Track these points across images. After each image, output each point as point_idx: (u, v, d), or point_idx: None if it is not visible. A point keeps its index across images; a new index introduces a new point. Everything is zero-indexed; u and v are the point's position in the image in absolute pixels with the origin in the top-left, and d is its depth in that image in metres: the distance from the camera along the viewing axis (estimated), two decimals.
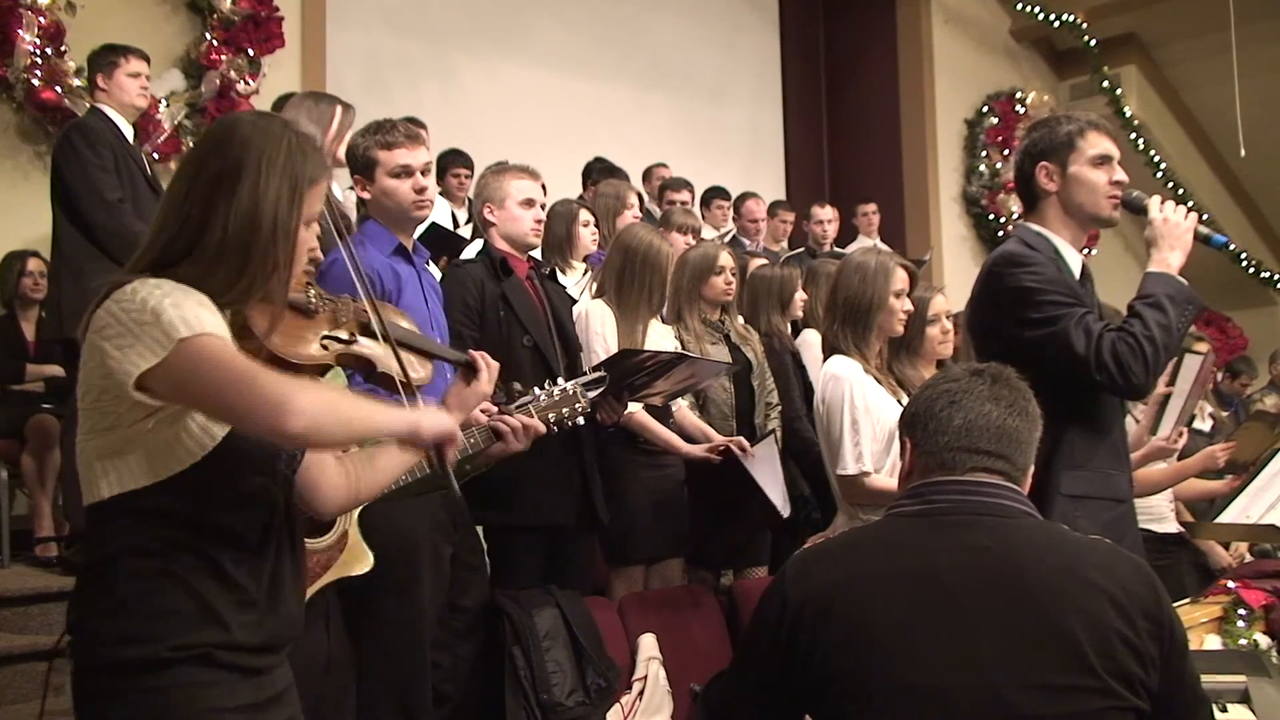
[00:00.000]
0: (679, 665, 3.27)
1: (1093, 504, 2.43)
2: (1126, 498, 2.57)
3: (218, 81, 5.65)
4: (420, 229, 3.10)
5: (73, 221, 3.92)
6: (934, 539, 1.57)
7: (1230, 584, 2.72)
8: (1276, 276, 9.70)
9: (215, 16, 5.69)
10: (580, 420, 2.30)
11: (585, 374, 2.51)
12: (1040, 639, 1.47)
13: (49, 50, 5.06)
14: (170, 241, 1.49)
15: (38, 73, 5.02)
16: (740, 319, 4.20)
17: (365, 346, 1.72)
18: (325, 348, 1.67)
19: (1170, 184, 9.03)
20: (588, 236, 4.23)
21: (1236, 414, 6.82)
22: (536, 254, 3.75)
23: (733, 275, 3.96)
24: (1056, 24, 9.25)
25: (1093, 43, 9.24)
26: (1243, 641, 2.55)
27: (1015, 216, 8.75)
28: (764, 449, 3.60)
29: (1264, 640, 2.55)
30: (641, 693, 3.19)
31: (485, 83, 7.43)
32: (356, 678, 2.60)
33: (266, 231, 1.49)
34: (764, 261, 5.04)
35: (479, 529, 3.11)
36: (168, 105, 5.49)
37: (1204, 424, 5.01)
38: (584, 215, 4.19)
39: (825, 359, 3.13)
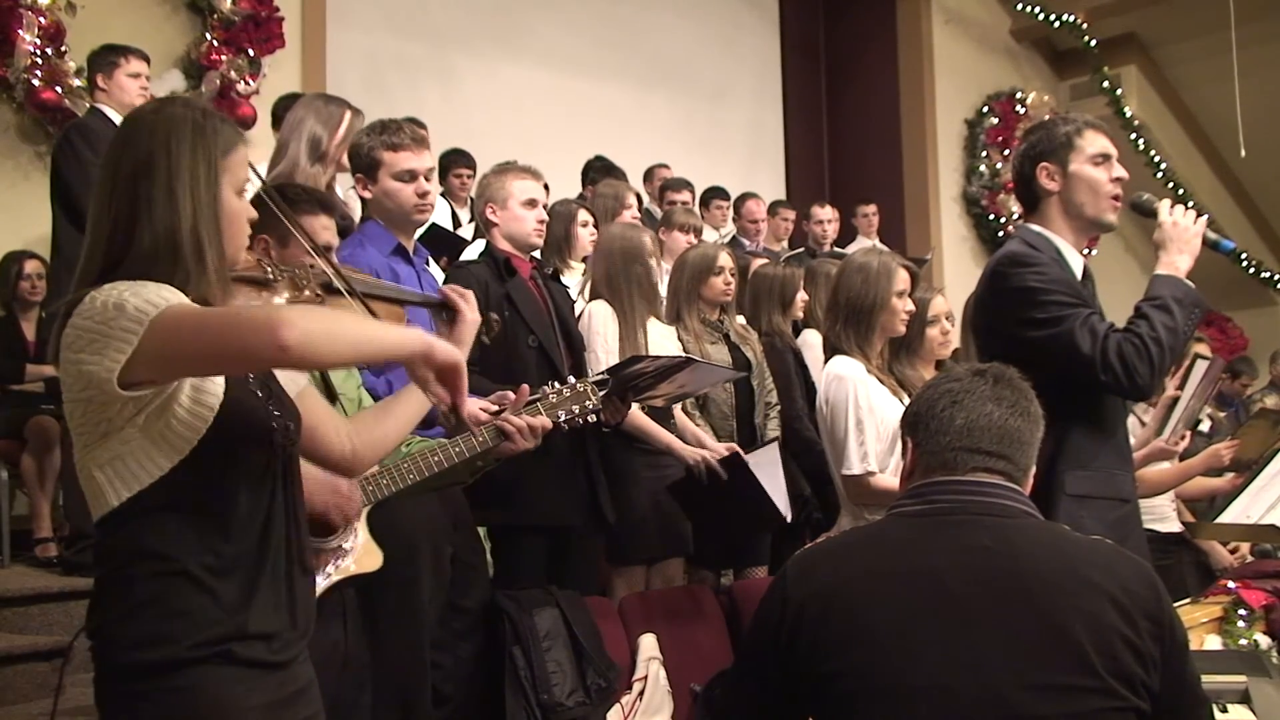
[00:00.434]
0: (679, 665, 3.27)
1: (1098, 504, 2.44)
2: (1131, 497, 2.58)
3: (218, 82, 5.65)
4: (420, 230, 3.11)
5: (72, 222, 3.92)
6: (935, 539, 1.57)
7: (1230, 584, 2.72)
8: (1276, 276, 9.70)
9: (215, 16, 5.69)
10: (592, 417, 2.31)
11: (590, 374, 2.52)
12: (1041, 639, 1.47)
13: (49, 50, 5.06)
14: (108, 247, 1.50)
15: (38, 73, 5.02)
16: (740, 319, 4.21)
17: (334, 305, 1.73)
18: None
19: (1170, 184, 9.03)
20: (586, 237, 4.23)
21: (1236, 414, 6.82)
22: (536, 254, 3.75)
23: (732, 275, 3.96)
24: (1056, 24, 9.25)
25: (1093, 43, 9.24)
26: (1243, 641, 2.55)
27: (1015, 217, 8.75)
28: (766, 454, 3.60)
29: (1264, 640, 2.55)
30: (642, 693, 3.19)
31: (485, 83, 7.44)
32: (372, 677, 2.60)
33: (189, 213, 1.49)
34: (766, 260, 5.04)
35: (481, 529, 3.11)
36: None
37: (1203, 425, 5.02)
38: (582, 215, 4.20)
39: (827, 359, 3.13)
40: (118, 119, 4.11)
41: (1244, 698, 2.18)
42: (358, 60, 6.77)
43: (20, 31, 4.97)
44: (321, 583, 2.14)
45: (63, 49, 5.11)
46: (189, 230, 1.49)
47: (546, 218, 3.48)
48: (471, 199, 5.91)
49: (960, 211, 9.40)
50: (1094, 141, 2.54)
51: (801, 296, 4.52)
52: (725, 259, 3.95)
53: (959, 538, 1.56)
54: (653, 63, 8.36)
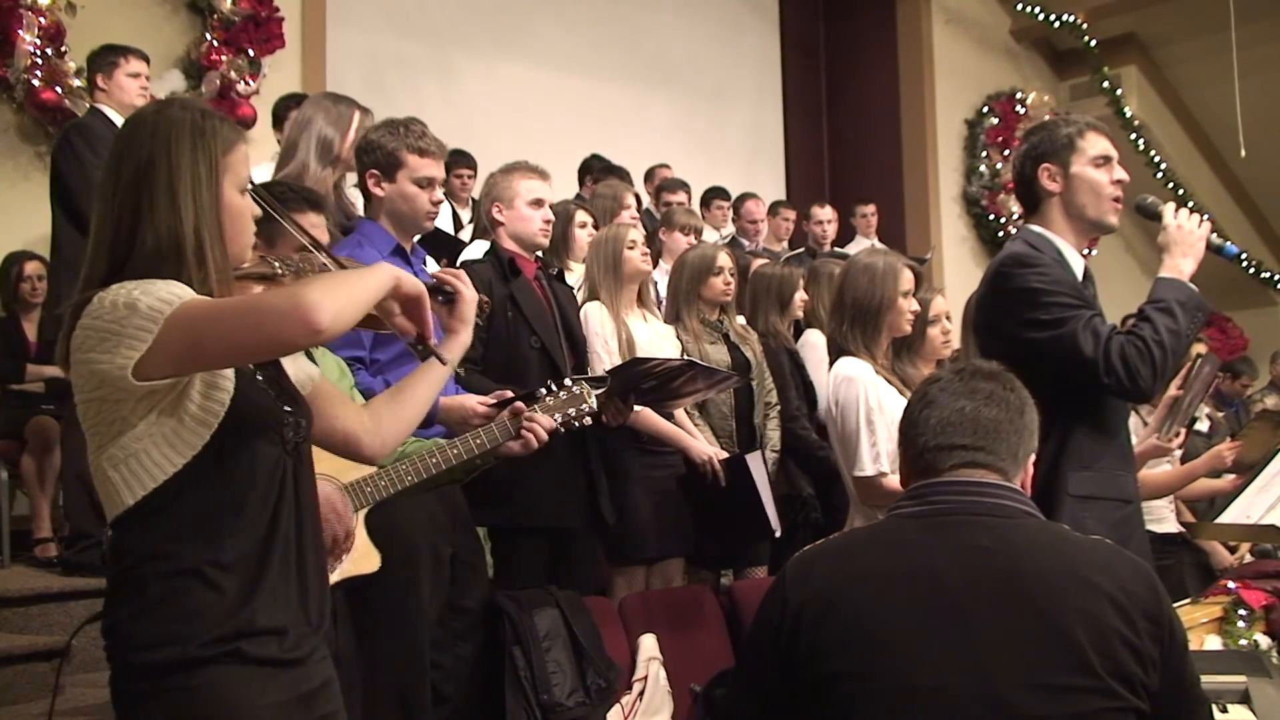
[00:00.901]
0: (679, 665, 3.27)
1: (1100, 504, 2.44)
2: (1134, 498, 2.58)
3: (218, 82, 5.65)
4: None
5: (72, 222, 3.92)
6: (934, 539, 1.57)
7: (1230, 584, 2.72)
8: (1276, 276, 9.70)
9: (215, 17, 5.69)
10: (588, 420, 2.31)
11: (589, 375, 2.52)
12: (1040, 639, 1.47)
13: (49, 50, 5.06)
14: (112, 249, 1.51)
15: (38, 73, 5.03)
16: (740, 319, 4.21)
17: None
18: None
19: (1170, 184, 9.03)
20: (585, 238, 4.23)
21: (1236, 414, 6.82)
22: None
23: (731, 276, 3.96)
24: (1056, 24, 9.25)
25: (1093, 43, 9.24)
26: (1243, 642, 2.55)
27: (1015, 217, 8.76)
28: (752, 462, 3.55)
29: (1264, 640, 2.55)
30: (642, 693, 3.19)
31: (485, 83, 7.44)
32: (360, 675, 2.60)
33: (190, 214, 1.50)
34: (766, 260, 5.04)
35: (481, 530, 3.11)
36: None
37: (1202, 425, 5.02)
38: (581, 216, 4.19)
39: (832, 360, 3.13)
40: (118, 119, 4.11)
41: (1244, 698, 2.18)
42: (358, 60, 6.77)
43: (20, 31, 4.97)
44: None
45: (63, 49, 5.11)
46: (191, 230, 1.50)
47: (552, 217, 3.49)
48: (473, 199, 5.91)
49: (960, 211, 9.40)
50: (1095, 143, 2.55)
51: (801, 297, 4.51)
52: (725, 259, 3.95)
53: (958, 538, 1.56)
54: (653, 63, 8.36)
